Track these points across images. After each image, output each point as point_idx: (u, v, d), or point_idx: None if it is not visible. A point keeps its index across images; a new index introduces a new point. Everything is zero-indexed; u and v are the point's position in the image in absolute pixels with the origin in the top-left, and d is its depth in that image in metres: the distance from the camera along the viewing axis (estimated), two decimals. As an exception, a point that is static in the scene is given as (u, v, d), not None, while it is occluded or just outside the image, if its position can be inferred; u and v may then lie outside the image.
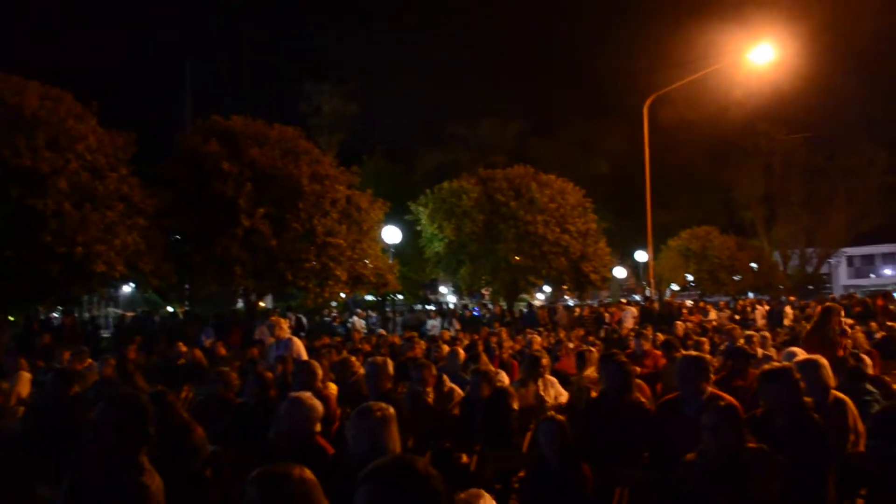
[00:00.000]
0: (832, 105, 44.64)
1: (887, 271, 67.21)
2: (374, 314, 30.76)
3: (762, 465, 4.04)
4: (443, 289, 48.58)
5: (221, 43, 64.89)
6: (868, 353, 9.25)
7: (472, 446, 5.86)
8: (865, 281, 63.25)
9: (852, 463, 4.98)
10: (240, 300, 23.19)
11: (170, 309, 26.68)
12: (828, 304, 8.98)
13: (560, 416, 4.97)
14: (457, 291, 36.40)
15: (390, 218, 23.00)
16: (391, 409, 4.03)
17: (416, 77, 69.93)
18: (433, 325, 23.96)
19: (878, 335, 12.80)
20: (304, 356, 8.99)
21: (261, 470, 2.66)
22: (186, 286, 18.89)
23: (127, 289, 32.12)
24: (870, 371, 7.41)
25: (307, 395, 4.88)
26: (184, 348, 11.88)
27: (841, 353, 8.32)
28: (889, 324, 13.32)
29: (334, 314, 27.06)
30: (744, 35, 27.73)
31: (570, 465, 4.64)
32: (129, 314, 29.01)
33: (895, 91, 60.28)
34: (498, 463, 5.77)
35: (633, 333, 12.53)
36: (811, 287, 45.42)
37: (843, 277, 64.46)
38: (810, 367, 5.34)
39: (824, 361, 5.49)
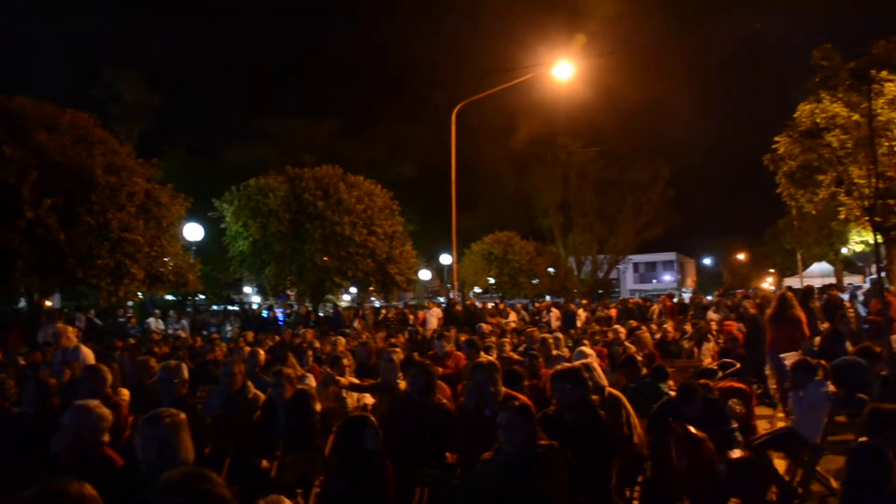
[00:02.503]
0: (624, 123, 48.30)
1: (667, 277, 73.83)
2: (173, 315, 29.38)
3: (552, 459, 4.27)
4: (247, 289, 47.37)
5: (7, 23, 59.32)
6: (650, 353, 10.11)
7: (273, 451, 5.76)
8: (648, 286, 69.06)
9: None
10: (22, 299, 21.33)
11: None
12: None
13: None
14: (262, 292, 35.49)
15: (192, 214, 22.12)
16: (182, 415, 3.93)
17: (225, 71, 67.86)
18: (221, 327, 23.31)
19: (657, 335, 13.93)
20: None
21: (35, 488, 2.46)
22: (-43, 283, 17.09)
23: None
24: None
25: (94, 402, 4.60)
26: (-49, 352, 10.80)
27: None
28: (665, 326, 14.56)
29: (129, 314, 25.58)
30: (549, 52, 29.17)
31: (374, 465, 4.66)
32: None
33: (679, 112, 65.95)
34: (299, 467, 5.70)
35: (436, 335, 12.75)
36: (601, 291, 48.63)
37: (629, 282, 69.99)
38: (589, 369, 6.03)
39: (596, 365, 6.25)
